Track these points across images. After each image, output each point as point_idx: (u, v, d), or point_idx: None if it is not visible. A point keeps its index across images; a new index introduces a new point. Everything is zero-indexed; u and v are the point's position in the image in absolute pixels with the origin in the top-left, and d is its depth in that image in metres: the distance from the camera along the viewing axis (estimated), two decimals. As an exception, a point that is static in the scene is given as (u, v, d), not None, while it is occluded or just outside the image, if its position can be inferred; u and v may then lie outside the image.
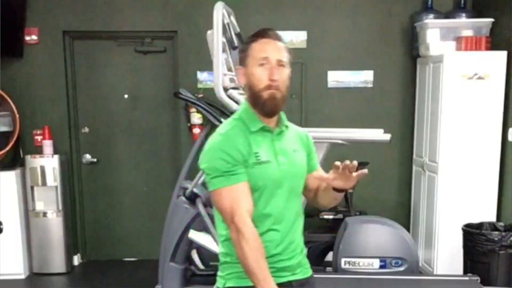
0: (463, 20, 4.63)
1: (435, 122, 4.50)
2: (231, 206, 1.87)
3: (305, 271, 2.07)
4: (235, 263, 1.96)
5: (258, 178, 1.90)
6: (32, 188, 4.87)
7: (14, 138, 4.79)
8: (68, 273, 5.04)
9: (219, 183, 1.89)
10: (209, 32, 3.89)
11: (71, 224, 5.19)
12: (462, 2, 4.76)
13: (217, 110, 4.19)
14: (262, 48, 1.93)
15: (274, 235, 1.94)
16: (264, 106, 1.93)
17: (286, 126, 2.05)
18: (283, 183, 1.95)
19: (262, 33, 1.96)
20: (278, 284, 1.88)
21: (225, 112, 3.95)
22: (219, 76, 3.64)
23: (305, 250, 2.11)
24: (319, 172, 2.13)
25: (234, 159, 1.87)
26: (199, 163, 1.96)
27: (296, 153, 2.03)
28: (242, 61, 1.98)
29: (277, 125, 2.00)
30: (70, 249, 5.13)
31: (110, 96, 5.25)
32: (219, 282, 2.05)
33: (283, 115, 2.04)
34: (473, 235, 3.99)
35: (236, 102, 3.78)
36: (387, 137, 3.91)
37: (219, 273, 2.07)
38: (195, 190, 3.92)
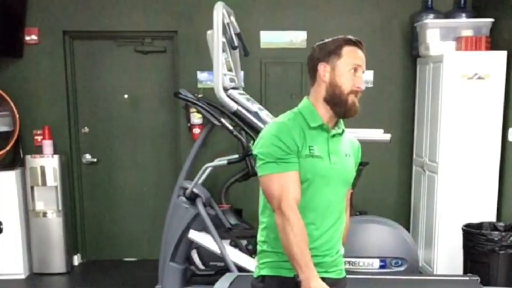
0: (463, 20, 4.63)
1: (435, 122, 4.50)
2: (280, 192, 1.91)
3: (339, 272, 2.11)
4: (271, 251, 2.01)
5: (308, 170, 1.94)
6: (32, 188, 4.87)
7: (14, 138, 4.79)
8: (68, 273, 5.04)
9: (271, 169, 1.93)
10: (209, 32, 3.90)
11: (71, 224, 5.19)
12: (462, 2, 4.75)
13: (217, 110, 4.20)
14: (357, 56, 1.99)
15: (314, 229, 1.97)
16: (346, 109, 1.98)
17: (343, 130, 2.08)
18: (332, 181, 1.98)
19: (355, 41, 2.01)
20: None
21: (225, 112, 3.95)
22: (219, 76, 3.64)
23: (342, 252, 2.14)
24: (350, 193, 2.17)
25: (288, 148, 1.92)
26: (253, 148, 2.01)
27: (349, 158, 2.07)
28: (328, 58, 1.99)
29: (335, 127, 2.04)
30: (70, 249, 5.13)
31: (110, 96, 5.25)
32: (256, 271, 2.09)
33: (341, 120, 2.08)
34: (473, 235, 3.99)
35: (236, 102, 3.79)
36: (387, 137, 3.91)
37: (256, 263, 2.11)
38: (195, 190, 3.92)
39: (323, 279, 1.95)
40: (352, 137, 2.19)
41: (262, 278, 2.04)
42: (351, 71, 1.97)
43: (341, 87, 1.96)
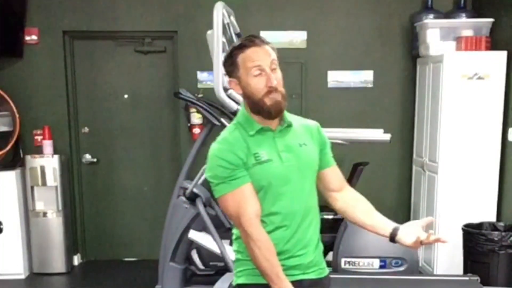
0: (463, 20, 4.63)
1: (435, 122, 4.50)
2: (237, 210, 1.90)
3: (320, 271, 2.07)
4: (246, 260, 1.99)
5: (260, 178, 1.91)
6: (32, 188, 4.87)
7: (14, 138, 4.79)
8: (68, 273, 5.04)
9: (223, 190, 1.92)
10: (209, 32, 3.89)
11: (71, 224, 5.19)
12: (462, 2, 4.76)
13: (217, 110, 4.19)
14: (252, 58, 1.91)
15: (283, 232, 1.95)
16: (269, 111, 1.93)
17: (290, 122, 2.02)
18: (290, 179, 1.95)
19: (247, 43, 1.93)
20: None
21: (225, 112, 3.95)
22: (219, 76, 3.64)
23: (321, 247, 2.10)
24: (335, 169, 2.14)
25: (232, 164, 1.89)
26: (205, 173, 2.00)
27: (304, 147, 2.01)
28: (232, 73, 1.96)
29: (279, 123, 2.00)
30: (70, 249, 5.13)
31: (110, 96, 5.25)
32: (233, 279, 2.09)
33: (284, 112, 2.02)
34: (473, 235, 3.99)
35: (236, 102, 3.78)
36: (387, 137, 3.91)
37: (234, 271, 2.11)
38: (195, 190, 3.92)
39: (301, 281, 1.95)
40: (309, 122, 2.13)
41: (239, 286, 2.04)
42: (255, 75, 1.91)
43: (254, 95, 1.92)
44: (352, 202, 2.17)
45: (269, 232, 1.91)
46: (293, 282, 1.92)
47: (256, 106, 1.95)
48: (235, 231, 2.02)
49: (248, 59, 1.91)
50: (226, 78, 3.74)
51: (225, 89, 3.75)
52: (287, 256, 1.95)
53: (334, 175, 2.14)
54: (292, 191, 1.96)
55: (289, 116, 2.03)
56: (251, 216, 1.89)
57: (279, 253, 1.92)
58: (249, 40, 1.94)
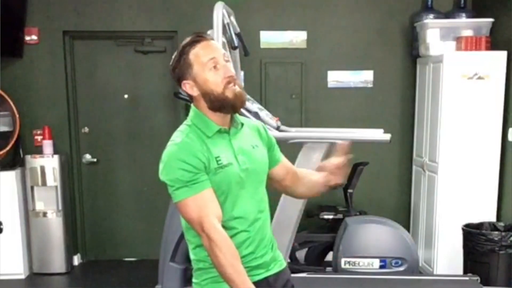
0: (463, 20, 4.63)
1: (435, 122, 4.50)
2: (198, 215, 1.83)
3: (279, 263, 2.07)
4: (208, 268, 1.95)
5: (222, 182, 1.87)
6: (32, 188, 4.87)
7: (14, 138, 4.79)
8: (68, 273, 5.04)
9: (183, 194, 1.84)
10: (209, 32, 3.89)
11: (71, 224, 5.19)
12: (462, 2, 4.76)
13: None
14: (205, 52, 1.87)
15: (245, 236, 1.93)
16: (233, 104, 1.89)
17: (241, 123, 2.00)
18: (246, 182, 1.93)
19: (196, 38, 1.90)
20: (255, 283, 1.87)
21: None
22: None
23: (275, 244, 2.10)
24: (285, 163, 2.14)
25: (194, 167, 1.83)
26: (160, 175, 1.89)
27: (256, 149, 1.99)
28: (185, 74, 1.89)
29: (232, 124, 1.97)
30: (70, 249, 5.13)
31: (110, 96, 5.25)
32: None
33: (235, 115, 2.00)
34: (473, 235, 3.99)
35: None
36: (387, 137, 3.91)
37: (194, 280, 2.06)
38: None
39: (266, 278, 1.95)
40: (253, 121, 2.11)
41: None
42: (211, 68, 1.87)
43: (213, 90, 1.87)
44: (302, 175, 2.17)
45: (231, 237, 1.86)
46: (259, 281, 1.93)
47: (217, 102, 1.88)
48: (193, 239, 1.96)
49: (202, 54, 1.87)
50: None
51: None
52: (251, 258, 1.94)
53: (285, 170, 2.12)
54: (250, 193, 1.94)
55: (238, 117, 2.00)
56: (213, 221, 1.82)
57: (243, 256, 1.89)
58: (198, 35, 1.91)
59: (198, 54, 1.87)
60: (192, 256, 2.03)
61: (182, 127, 1.97)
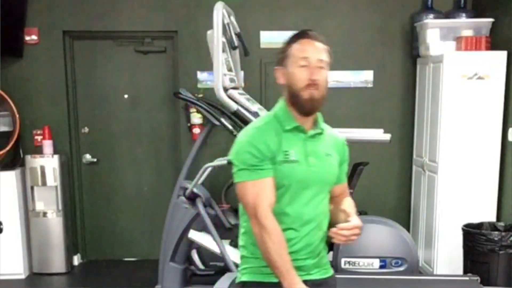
0: (463, 20, 4.63)
1: (435, 122, 4.50)
2: (254, 200, 1.88)
3: (323, 271, 2.07)
4: (249, 257, 1.99)
5: (284, 176, 1.91)
6: (32, 188, 4.87)
7: (14, 138, 4.79)
8: (68, 273, 5.04)
9: (245, 176, 1.90)
10: (209, 32, 3.90)
11: (71, 224, 5.19)
12: (462, 2, 4.75)
13: (217, 110, 4.20)
14: (303, 48, 1.93)
15: (293, 234, 1.94)
16: (304, 105, 1.93)
17: (322, 129, 2.03)
18: (311, 184, 1.95)
19: (302, 34, 1.97)
20: None
21: (225, 112, 3.95)
22: (219, 76, 3.64)
23: (325, 253, 2.10)
24: (344, 186, 2.14)
25: (262, 154, 1.89)
26: (230, 153, 1.97)
27: (329, 157, 2.02)
28: (281, 61, 1.98)
29: (313, 127, 2.00)
30: (70, 249, 5.13)
31: (110, 96, 5.25)
32: (237, 276, 2.08)
33: (320, 117, 2.04)
34: (473, 235, 3.99)
35: (236, 102, 3.79)
36: (387, 137, 3.91)
37: (239, 268, 2.10)
38: (195, 190, 3.92)
39: (305, 282, 1.93)
40: (336, 133, 2.14)
41: (243, 283, 2.03)
42: (301, 66, 1.92)
43: (295, 85, 1.93)
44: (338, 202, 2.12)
45: None
46: None
47: (293, 97, 1.95)
48: (244, 224, 2.00)
49: (302, 48, 1.94)
50: (226, 78, 3.76)
51: (225, 89, 3.76)
52: (293, 258, 1.94)
53: (339, 192, 2.13)
54: (310, 196, 1.96)
55: (322, 123, 2.04)
56: (267, 208, 1.88)
57: None
58: (304, 32, 1.97)
59: (295, 49, 1.94)
60: (239, 242, 2.07)
61: (264, 115, 2.06)
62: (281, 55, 1.98)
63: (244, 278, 2.02)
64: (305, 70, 1.92)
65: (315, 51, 1.94)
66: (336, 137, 2.11)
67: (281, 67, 1.98)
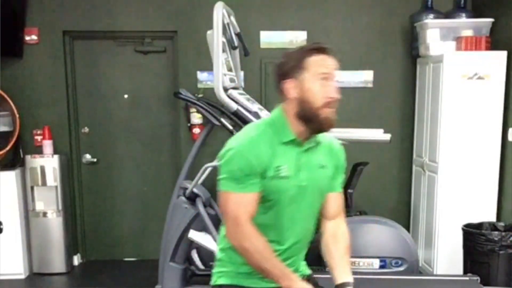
0: (463, 20, 4.63)
1: (435, 122, 4.50)
2: (236, 209, 1.85)
3: (301, 273, 2.06)
4: (226, 261, 1.97)
5: (272, 192, 1.87)
6: (32, 188, 4.87)
7: (14, 138, 4.79)
8: (68, 273, 5.04)
9: (230, 187, 1.87)
10: (209, 32, 3.90)
11: (71, 224, 5.19)
12: (462, 2, 4.75)
13: (217, 110, 4.19)
14: (324, 64, 1.85)
15: (275, 246, 1.92)
16: (321, 125, 1.87)
17: (318, 142, 1.97)
18: (299, 199, 1.91)
19: (321, 49, 1.86)
20: None
21: (225, 112, 3.95)
22: (219, 76, 3.64)
23: (301, 262, 2.09)
24: (336, 197, 2.07)
25: (251, 168, 1.83)
26: (218, 157, 1.92)
27: (322, 170, 1.97)
28: (293, 73, 1.86)
29: (308, 139, 1.94)
30: (70, 249, 5.13)
31: (110, 96, 5.25)
32: (212, 279, 2.05)
33: None
34: (473, 235, 3.99)
35: (236, 102, 3.79)
36: (387, 137, 3.91)
37: (213, 270, 2.07)
38: (195, 190, 3.92)
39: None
40: (333, 140, 2.07)
41: (219, 286, 2.01)
42: (320, 82, 1.83)
43: (312, 102, 1.84)
44: (330, 241, 2.05)
45: None
46: None
47: (307, 115, 1.86)
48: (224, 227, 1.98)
49: (321, 63, 1.84)
50: (226, 78, 3.76)
51: (225, 89, 3.76)
52: None
53: (334, 202, 2.07)
54: (296, 211, 1.93)
55: (318, 136, 1.97)
56: (248, 218, 1.85)
57: None
58: (323, 47, 1.87)
59: (316, 63, 1.84)
60: (218, 244, 2.06)
61: (260, 122, 1.98)
62: (293, 66, 1.86)
63: (221, 282, 1.99)
64: (324, 86, 1.84)
65: (333, 68, 1.87)
66: (332, 145, 2.06)
67: (293, 79, 1.86)
